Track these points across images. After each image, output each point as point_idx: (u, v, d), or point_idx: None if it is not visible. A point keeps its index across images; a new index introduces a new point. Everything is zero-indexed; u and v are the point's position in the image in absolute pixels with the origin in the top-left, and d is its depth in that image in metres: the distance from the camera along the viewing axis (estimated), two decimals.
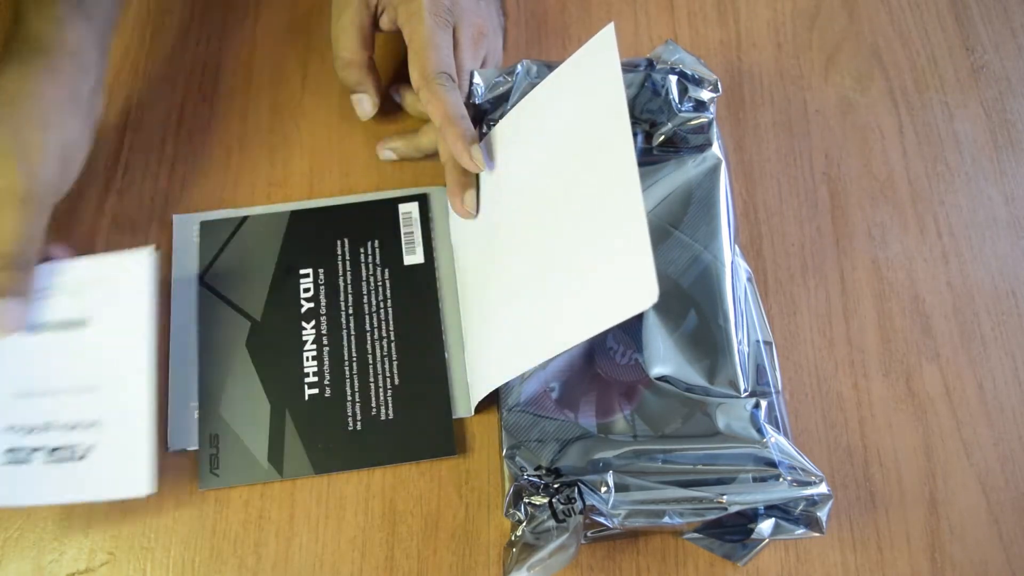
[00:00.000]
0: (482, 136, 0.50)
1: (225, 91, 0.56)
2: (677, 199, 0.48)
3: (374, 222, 0.52)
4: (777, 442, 0.42)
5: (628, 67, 0.49)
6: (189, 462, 0.47)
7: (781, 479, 0.41)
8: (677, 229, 0.48)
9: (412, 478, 0.46)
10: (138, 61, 0.57)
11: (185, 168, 0.54)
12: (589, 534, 0.43)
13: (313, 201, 0.53)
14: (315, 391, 0.48)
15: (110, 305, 0.44)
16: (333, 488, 0.46)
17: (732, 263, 0.47)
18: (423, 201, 0.53)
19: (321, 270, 0.50)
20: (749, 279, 0.48)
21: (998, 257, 0.52)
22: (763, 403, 0.43)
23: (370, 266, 0.51)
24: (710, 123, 0.49)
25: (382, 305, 0.50)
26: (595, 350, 0.46)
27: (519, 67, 0.49)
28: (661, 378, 0.45)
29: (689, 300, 0.46)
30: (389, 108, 0.55)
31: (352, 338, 0.49)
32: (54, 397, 0.43)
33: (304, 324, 0.49)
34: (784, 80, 0.57)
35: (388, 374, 0.48)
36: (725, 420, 0.43)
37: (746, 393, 0.44)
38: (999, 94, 0.57)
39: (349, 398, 0.47)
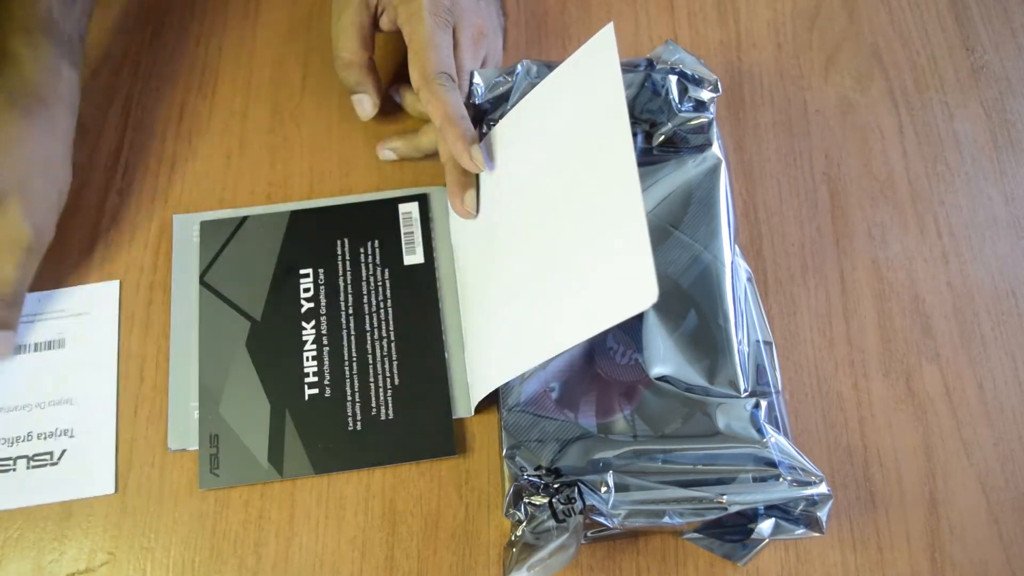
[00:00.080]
0: (482, 136, 0.50)
1: (225, 91, 0.56)
2: (677, 199, 0.48)
3: (374, 222, 0.52)
4: (777, 442, 0.42)
5: (628, 67, 0.49)
6: (189, 462, 0.47)
7: (781, 479, 0.41)
8: (677, 229, 0.48)
9: (412, 478, 0.46)
10: (138, 61, 0.57)
11: (185, 168, 0.54)
12: (589, 534, 0.43)
13: (313, 201, 0.53)
14: (315, 391, 0.48)
15: (83, 329, 0.50)
16: (333, 488, 0.46)
17: (732, 263, 0.47)
18: (423, 201, 0.53)
19: (321, 270, 0.51)
20: (749, 279, 0.48)
21: (998, 257, 0.52)
22: (763, 403, 0.43)
23: (370, 266, 0.51)
24: (710, 123, 0.49)
25: (382, 305, 0.50)
26: (595, 350, 0.46)
27: (519, 67, 0.49)
28: (661, 378, 0.45)
29: (689, 300, 0.46)
30: (389, 108, 0.55)
31: (352, 338, 0.49)
32: (35, 410, 0.48)
33: (304, 324, 0.49)
34: (784, 80, 0.57)
35: (388, 374, 0.48)
36: (725, 420, 0.43)
37: (746, 393, 0.44)
38: (999, 94, 0.57)
39: (349, 398, 0.47)
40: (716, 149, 0.49)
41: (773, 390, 0.46)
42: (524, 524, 0.40)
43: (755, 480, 0.41)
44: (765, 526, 0.41)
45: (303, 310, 0.49)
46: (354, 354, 0.48)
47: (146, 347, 0.49)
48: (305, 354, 0.48)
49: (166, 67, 0.57)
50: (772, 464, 0.41)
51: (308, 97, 0.56)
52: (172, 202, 0.53)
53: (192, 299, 0.50)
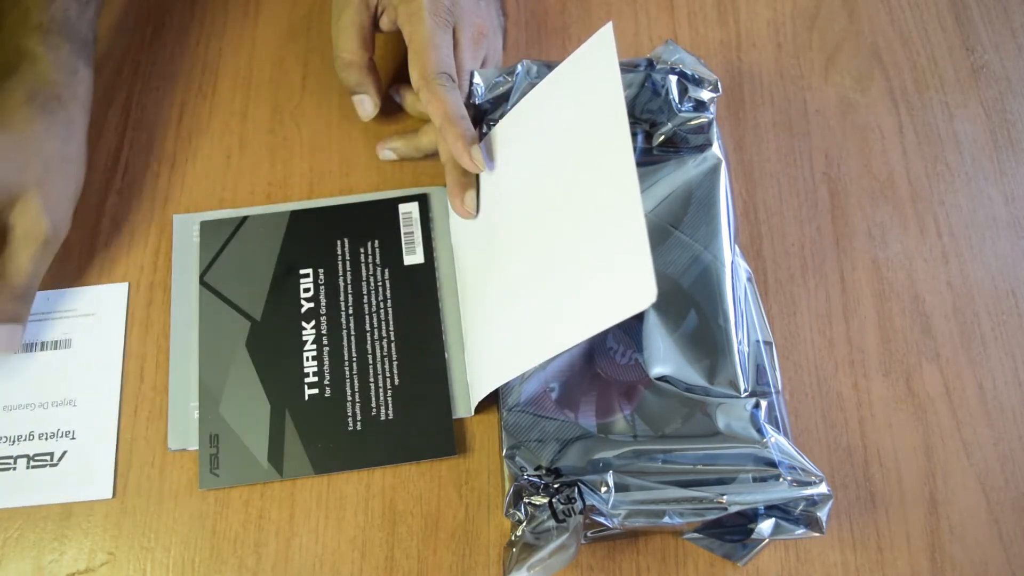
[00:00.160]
0: (482, 136, 0.50)
1: (225, 91, 0.56)
2: (677, 199, 0.48)
3: (374, 222, 0.52)
4: (777, 442, 0.42)
5: (628, 67, 0.49)
6: (189, 462, 0.47)
7: (781, 479, 0.41)
8: (677, 229, 0.48)
9: (412, 478, 0.46)
10: (138, 61, 0.57)
11: (185, 168, 0.54)
12: (589, 534, 0.43)
13: (313, 201, 0.53)
14: (315, 391, 0.48)
15: (90, 330, 0.50)
16: (333, 488, 0.46)
17: (732, 263, 0.47)
18: (423, 201, 0.53)
19: (321, 270, 0.51)
20: (749, 279, 0.48)
21: (998, 257, 0.52)
22: (763, 403, 0.43)
23: (370, 266, 0.51)
24: (710, 123, 0.49)
25: (382, 305, 0.50)
26: (595, 350, 0.46)
27: (519, 67, 0.49)
28: (661, 378, 0.45)
29: (689, 300, 0.46)
30: (389, 108, 0.55)
31: (352, 338, 0.49)
32: (38, 409, 0.48)
33: (304, 324, 0.49)
34: (784, 80, 0.57)
35: (388, 374, 0.48)
36: (725, 420, 0.43)
37: (746, 393, 0.44)
38: (999, 94, 0.57)
39: (349, 398, 0.47)
40: (716, 149, 0.49)
41: (773, 390, 0.46)
42: (524, 524, 0.40)
43: (755, 480, 0.41)
44: (765, 526, 0.41)
45: (303, 310, 0.49)
46: (354, 354, 0.48)
47: (146, 347, 0.49)
48: (305, 354, 0.48)
49: (166, 67, 0.57)
50: (772, 464, 0.41)
51: (308, 97, 0.56)
52: (172, 202, 0.53)
53: (192, 299, 0.50)
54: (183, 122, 0.55)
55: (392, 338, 0.49)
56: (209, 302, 0.50)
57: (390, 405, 0.47)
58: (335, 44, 0.52)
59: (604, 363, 0.46)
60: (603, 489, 0.41)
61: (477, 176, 0.50)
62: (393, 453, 0.46)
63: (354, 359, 0.48)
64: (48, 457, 0.46)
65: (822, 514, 0.40)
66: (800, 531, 0.41)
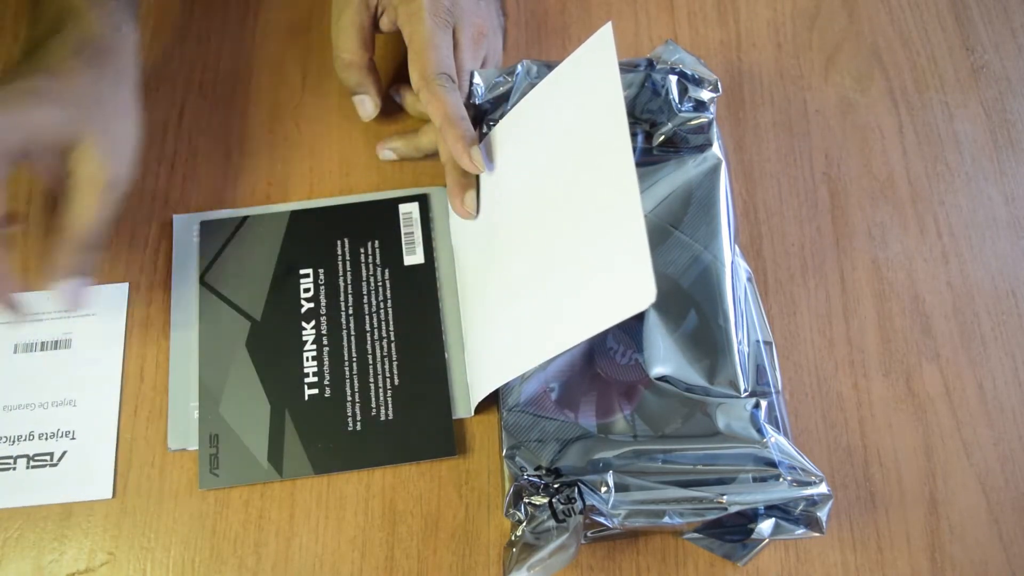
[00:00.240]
0: (482, 136, 0.50)
1: (225, 91, 0.56)
2: (677, 199, 0.48)
3: (374, 222, 0.52)
4: (777, 442, 0.42)
5: (628, 67, 0.49)
6: (189, 462, 0.47)
7: (781, 479, 0.41)
8: (677, 229, 0.48)
9: (412, 478, 0.46)
10: (138, 61, 0.57)
11: (185, 168, 0.54)
12: (589, 534, 0.43)
13: (313, 201, 0.53)
14: (315, 391, 0.48)
15: (90, 330, 0.49)
16: (333, 488, 0.46)
17: (732, 263, 0.47)
18: (423, 201, 0.53)
19: (321, 270, 0.51)
20: (749, 279, 0.48)
21: (998, 257, 0.52)
22: (763, 403, 0.43)
23: (370, 266, 0.51)
24: (710, 123, 0.49)
25: (382, 305, 0.50)
26: (595, 350, 0.46)
27: (519, 67, 0.49)
28: (661, 378, 0.45)
29: (689, 300, 0.46)
30: (389, 108, 0.55)
31: (352, 338, 0.49)
32: (38, 409, 0.48)
33: (304, 324, 0.49)
34: (784, 80, 0.57)
35: (388, 374, 0.48)
36: (725, 420, 0.43)
37: (746, 393, 0.44)
38: (999, 94, 0.57)
39: (349, 398, 0.47)
40: (716, 149, 0.49)
41: (773, 390, 0.46)
42: (524, 524, 0.40)
43: (755, 480, 0.41)
44: (765, 526, 0.41)
45: (303, 310, 0.49)
46: (354, 354, 0.48)
47: (146, 347, 0.49)
48: (305, 354, 0.48)
49: (166, 67, 0.57)
50: (772, 464, 0.41)
51: (308, 97, 0.56)
52: (172, 202, 0.53)
53: (192, 299, 0.50)
54: (183, 122, 0.55)
55: (392, 338, 0.49)
56: (209, 302, 0.50)
57: (390, 405, 0.47)
58: (335, 44, 0.52)
59: (604, 363, 0.46)
60: (603, 489, 0.41)
61: (477, 176, 0.50)
62: (393, 453, 0.46)
63: (354, 359, 0.48)
64: (48, 457, 0.46)
65: (822, 514, 0.40)
66: (800, 531, 0.41)
